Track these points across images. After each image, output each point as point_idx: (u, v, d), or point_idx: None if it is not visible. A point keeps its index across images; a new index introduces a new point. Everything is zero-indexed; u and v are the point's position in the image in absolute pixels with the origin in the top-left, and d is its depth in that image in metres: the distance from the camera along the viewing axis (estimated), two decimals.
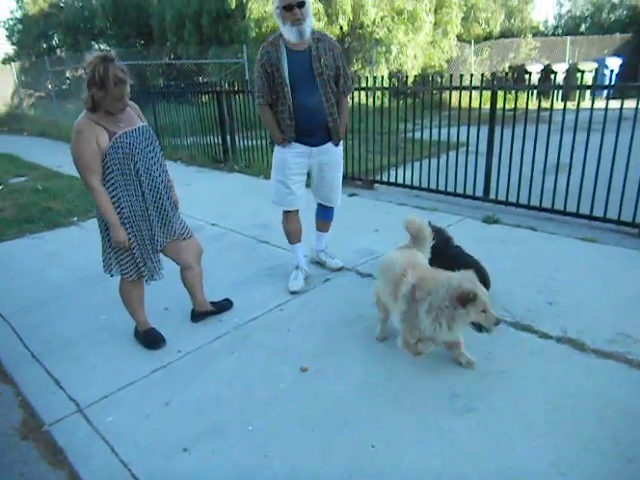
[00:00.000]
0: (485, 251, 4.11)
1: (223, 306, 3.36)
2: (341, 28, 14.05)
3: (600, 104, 4.45)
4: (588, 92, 7.06)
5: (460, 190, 5.47)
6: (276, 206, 3.62)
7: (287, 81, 3.22)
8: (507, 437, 2.18)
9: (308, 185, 3.63)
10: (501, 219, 4.83)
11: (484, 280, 3.35)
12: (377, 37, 14.24)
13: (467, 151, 5.36)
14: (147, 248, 2.84)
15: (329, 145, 3.47)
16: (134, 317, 3.06)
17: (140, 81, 13.81)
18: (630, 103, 4.27)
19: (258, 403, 2.49)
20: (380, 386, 2.55)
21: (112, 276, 2.91)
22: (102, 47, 19.24)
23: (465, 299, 2.30)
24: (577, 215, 4.66)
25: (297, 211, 3.66)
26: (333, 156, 3.52)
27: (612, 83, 4.77)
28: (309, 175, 3.59)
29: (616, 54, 16.84)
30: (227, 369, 2.77)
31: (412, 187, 5.93)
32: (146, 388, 2.66)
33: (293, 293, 3.56)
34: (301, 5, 3.09)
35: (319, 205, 3.80)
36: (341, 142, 3.55)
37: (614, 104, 4.37)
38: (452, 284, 2.34)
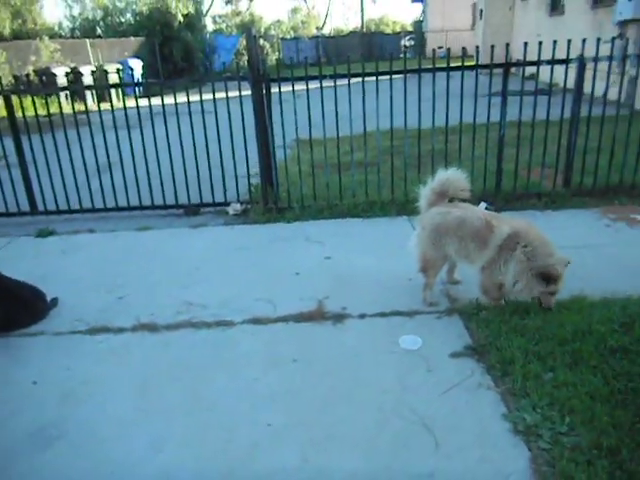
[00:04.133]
0: (47, 266, 3.86)
1: None
2: None
3: (131, 103, 4.68)
4: (119, 92, 7.38)
5: (2, 209, 4.87)
6: None
7: None
8: (99, 442, 2.13)
9: None
10: (57, 229, 4.57)
11: (42, 300, 3.13)
12: None
13: None
14: None
15: None
16: None
17: None
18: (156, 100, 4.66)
19: None
20: None
21: None
22: None
23: (549, 278, 2.58)
24: (130, 208, 4.87)
25: None
26: None
27: (140, 81, 5.11)
28: None
29: (135, 56, 18.21)
30: None
31: None
32: None
33: None
34: None
35: None
36: None
37: (144, 102, 4.72)
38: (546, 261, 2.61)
